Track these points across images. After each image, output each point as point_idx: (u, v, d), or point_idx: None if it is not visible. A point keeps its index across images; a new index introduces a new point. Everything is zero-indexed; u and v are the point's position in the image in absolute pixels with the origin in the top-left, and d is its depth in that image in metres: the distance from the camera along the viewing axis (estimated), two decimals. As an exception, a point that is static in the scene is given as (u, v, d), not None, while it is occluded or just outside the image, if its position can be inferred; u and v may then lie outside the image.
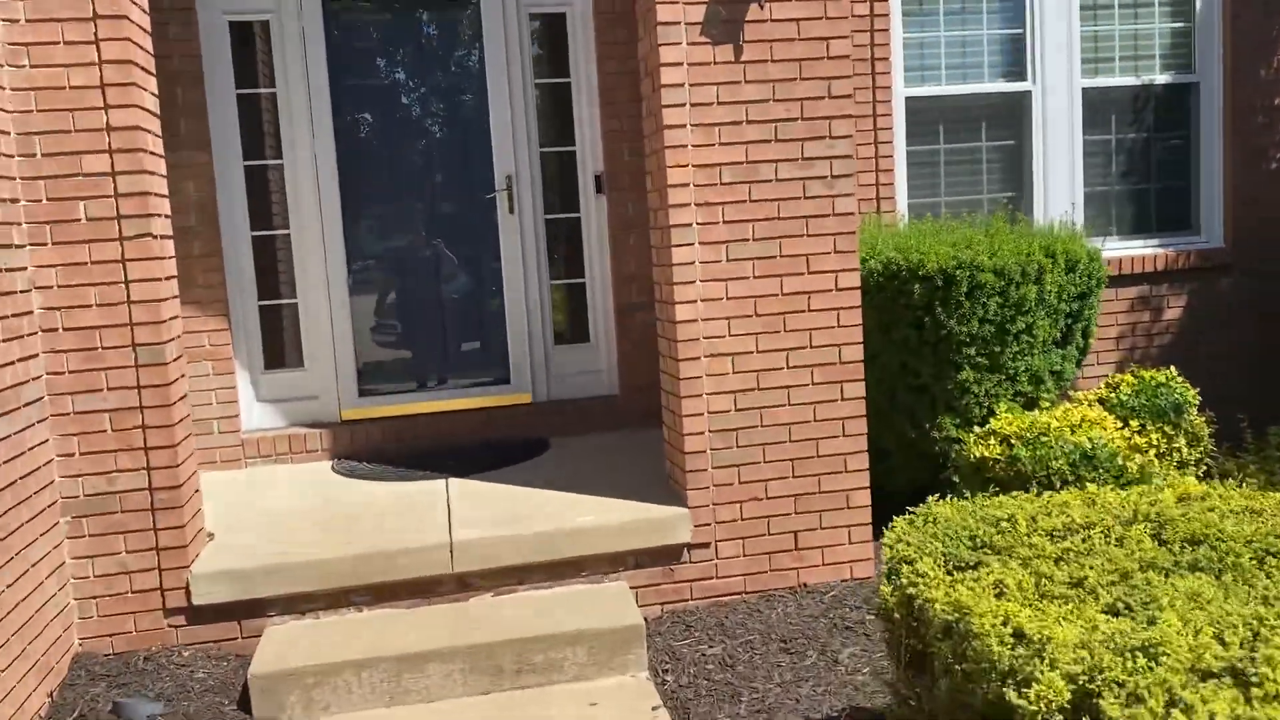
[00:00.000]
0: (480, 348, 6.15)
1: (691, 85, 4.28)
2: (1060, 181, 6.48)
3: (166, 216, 4.21)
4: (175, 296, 4.21)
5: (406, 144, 5.95)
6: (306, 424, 5.87)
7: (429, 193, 5.97)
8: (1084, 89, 6.48)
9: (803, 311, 4.43)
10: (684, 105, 4.28)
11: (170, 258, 4.18)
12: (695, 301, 4.35)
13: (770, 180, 4.36)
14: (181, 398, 4.17)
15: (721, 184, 4.33)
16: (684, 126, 4.29)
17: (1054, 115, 6.43)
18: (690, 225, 4.32)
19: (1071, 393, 5.32)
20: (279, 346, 5.91)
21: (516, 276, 6.00)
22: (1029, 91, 6.41)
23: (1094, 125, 6.58)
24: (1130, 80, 6.56)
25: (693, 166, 4.31)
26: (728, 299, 4.37)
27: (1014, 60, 6.43)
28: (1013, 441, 4.47)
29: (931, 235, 5.08)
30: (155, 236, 4.01)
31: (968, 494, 4.68)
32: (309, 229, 5.81)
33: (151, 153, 4.04)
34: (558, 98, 6.03)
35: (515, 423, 5.95)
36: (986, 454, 4.46)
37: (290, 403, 5.88)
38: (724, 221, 4.35)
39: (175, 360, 4.12)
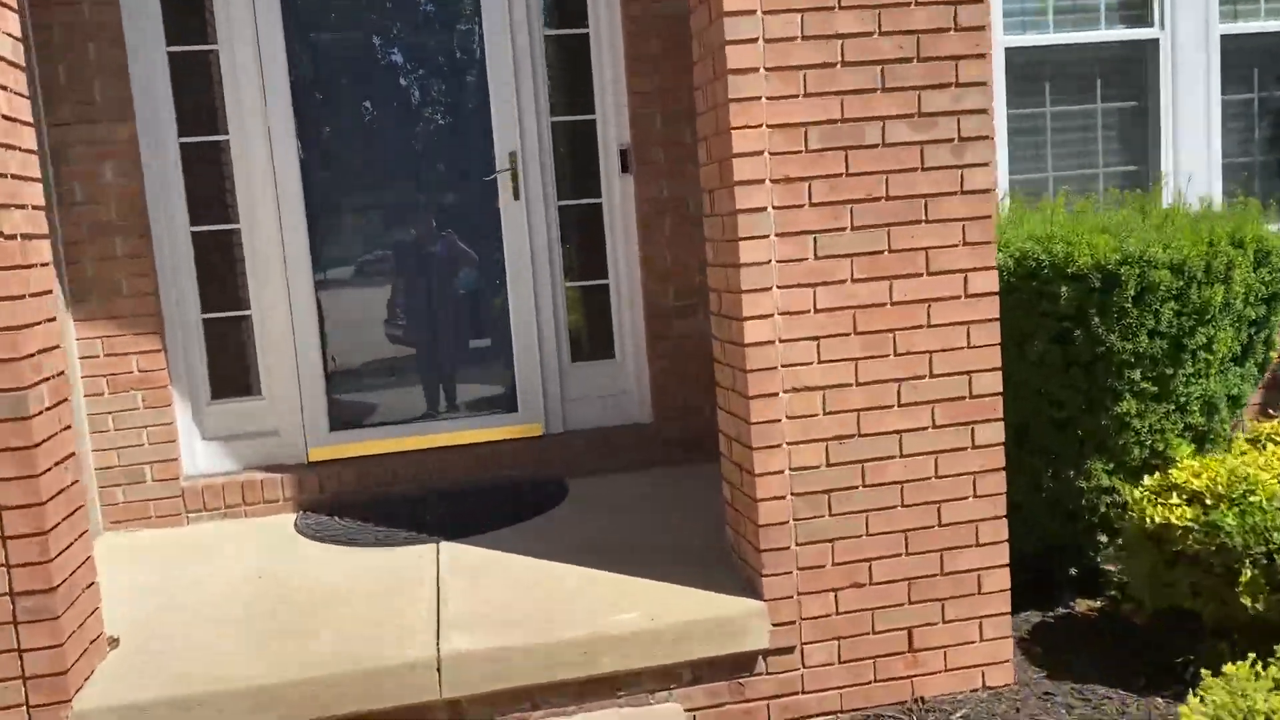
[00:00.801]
0: (480, 367, 4.95)
1: (765, 13, 3.05)
2: (1193, 150, 5.24)
3: (36, 208, 3.01)
4: (47, 321, 3.01)
5: (385, 116, 4.74)
6: (265, 467, 4.68)
7: (415, 177, 4.76)
8: (1223, 36, 5.23)
9: (919, 327, 3.22)
10: (755, 41, 3.05)
11: (38, 266, 2.98)
12: (771, 316, 3.14)
13: (875, 145, 3.14)
14: (58, 463, 2.97)
15: (808, 151, 3.12)
16: (755, 71, 3.07)
17: (1186, 69, 5.18)
18: (764, 210, 3.11)
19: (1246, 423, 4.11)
20: (229, 370, 4.72)
21: (523, 278, 4.79)
22: (1155, 40, 5.17)
23: (1233, 82, 5.33)
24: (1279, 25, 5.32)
25: (767, 128, 3.09)
26: (816, 311, 3.16)
27: (1137, 2, 5.19)
28: (1207, 500, 3.25)
29: (1071, 220, 3.86)
30: (10, 237, 2.81)
31: (1133, 569, 3.48)
32: (264, 223, 4.60)
33: (3, 116, 2.83)
34: (572, 53, 4.81)
35: (524, 460, 4.75)
36: (1171, 519, 3.25)
37: (244, 440, 4.69)
38: (811, 204, 3.13)
39: (46, 411, 2.92)
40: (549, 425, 4.88)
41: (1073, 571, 4.03)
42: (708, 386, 4.86)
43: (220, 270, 4.66)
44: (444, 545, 3.96)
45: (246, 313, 4.66)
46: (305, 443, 4.70)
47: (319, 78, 4.66)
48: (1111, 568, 4.06)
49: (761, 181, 3.10)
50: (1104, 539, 3.91)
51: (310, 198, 4.65)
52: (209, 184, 4.61)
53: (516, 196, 4.72)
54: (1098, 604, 3.99)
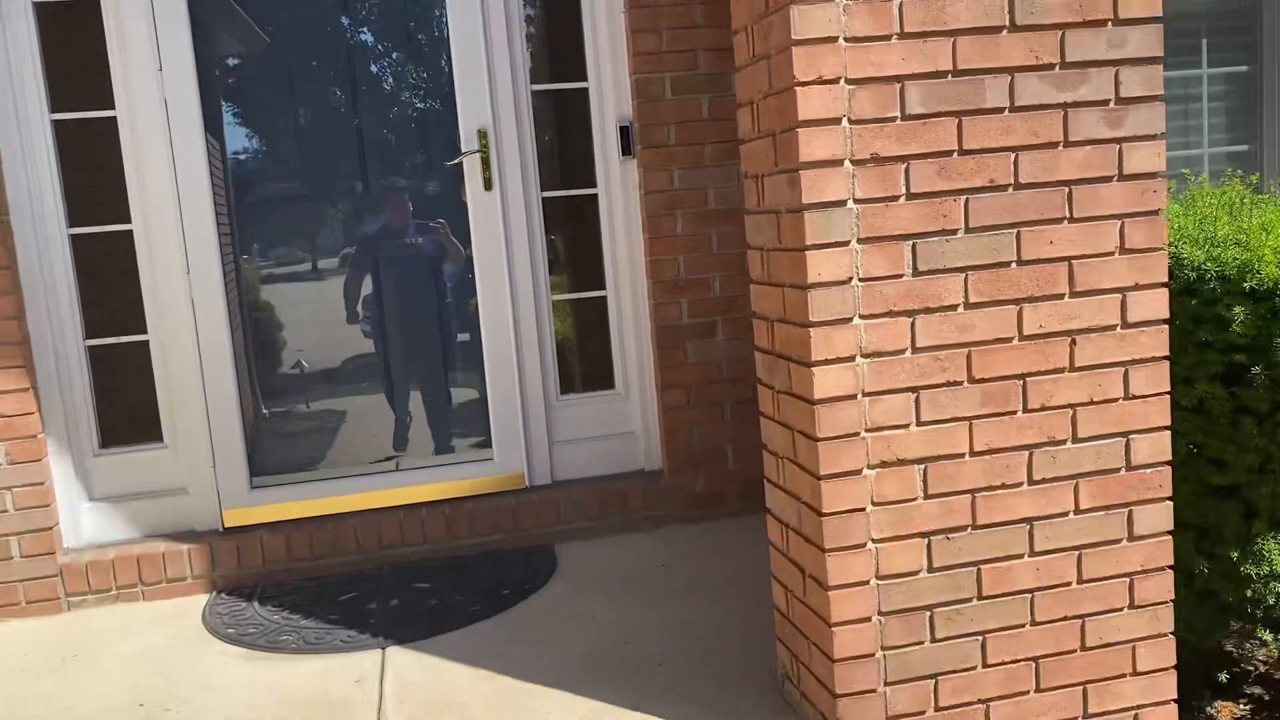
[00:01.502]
0: (445, 403, 3.95)
1: (846, -88, 2.06)
2: (1320, 126, 4.28)
3: None
4: None
5: (319, 83, 3.73)
6: (170, 535, 3.68)
7: (359, 162, 3.75)
8: (1357, -16, 4.26)
9: (1059, 372, 2.24)
10: (831, -45, 2.06)
11: None
12: (852, 359, 2.15)
13: (999, 110, 2.16)
14: None
15: (905, 119, 2.13)
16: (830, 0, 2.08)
17: (1313, 24, 4.21)
18: (843, 205, 2.12)
19: None
20: (123, 411, 3.71)
21: (497, 289, 3.79)
22: (1275, -12, 4.19)
23: (1367, 40, 4.36)
24: None
25: (847, 84, 2.10)
26: (915, 351, 2.18)
27: (1253, -59, 4.22)
28: None
29: (1226, 211, 2.88)
30: None
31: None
32: (162, 223, 3.59)
33: None
34: (557, 2, 3.81)
35: (503, 521, 3.75)
36: None
37: (143, 501, 3.68)
38: (909, 195, 2.14)
39: None
40: (533, 475, 3.88)
41: (1224, 677, 3.07)
42: (733, 425, 3.87)
43: (110, 284, 3.64)
44: (393, 653, 2.97)
45: (142, 337, 3.65)
46: (219, 503, 3.69)
47: (230, 35, 3.64)
48: (1263, 658, 3.11)
49: (839, 163, 2.11)
50: (1268, 636, 2.94)
51: (222, 191, 3.65)
52: (95, 173, 3.59)
53: (488, 187, 3.72)
54: (1244, 709, 3.04)
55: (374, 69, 3.79)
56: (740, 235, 3.80)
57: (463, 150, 3.70)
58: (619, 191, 3.84)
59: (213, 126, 3.59)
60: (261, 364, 3.78)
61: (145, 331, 3.63)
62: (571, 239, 3.96)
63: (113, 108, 3.54)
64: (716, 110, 3.73)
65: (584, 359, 4.04)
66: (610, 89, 3.78)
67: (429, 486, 3.79)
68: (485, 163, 3.69)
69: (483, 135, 3.68)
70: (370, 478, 3.79)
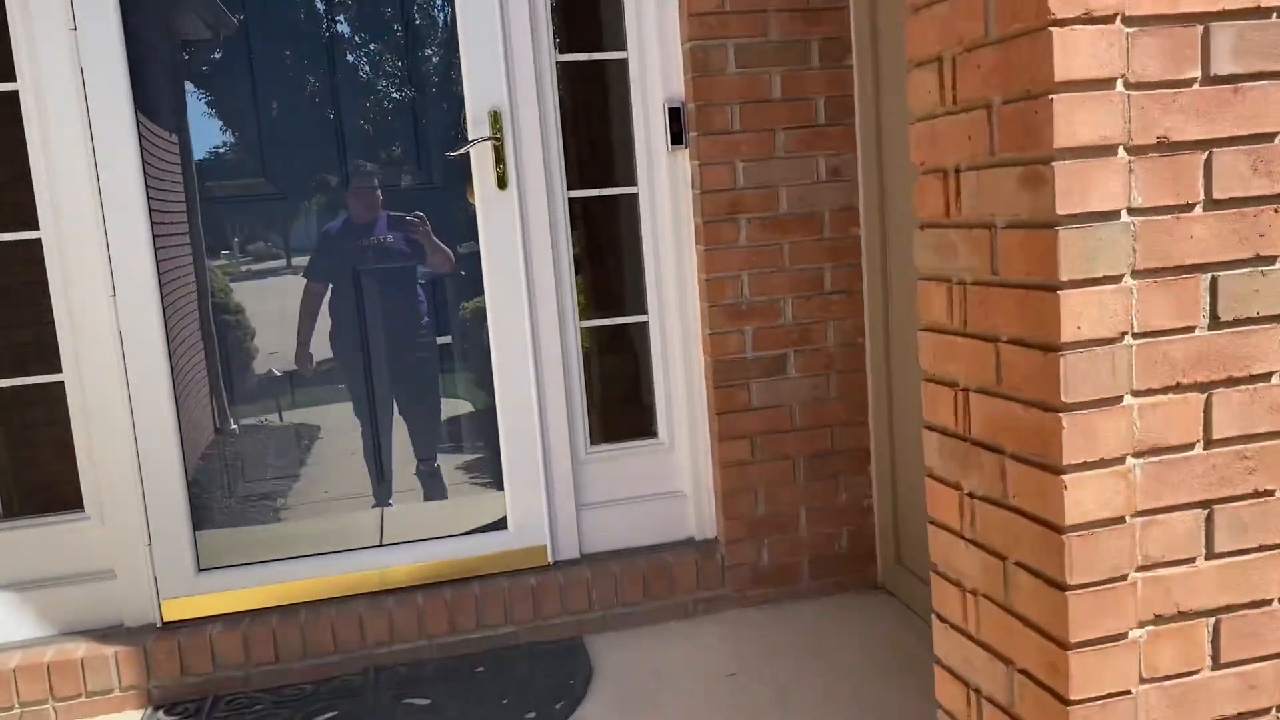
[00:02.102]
0: (450, 456, 3.15)
1: None
2: None
3: None
4: None
5: (283, 54, 2.92)
6: (91, 632, 2.86)
7: (339, 154, 2.94)
8: None
9: None
10: None
11: None
12: (1122, 460, 1.37)
13: (1354, 70, 1.38)
14: None
15: (1206, 82, 1.34)
16: (1108, -112, 1.29)
17: None
18: (1116, 217, 1.33)
19: None
20: (30, 473, 2.88)
21: (514, 315, 2.98)
22: None
23: None
24: None
25: (1123, 25, 1.31)
26: (1209, 445, 1.40)
27: None
28: None
29: None
30: None
31: None
32: (79, 231, 2.76)
33: None
34: (590, -47, 3.02)
35: (520, 605, 2.95)
36: None
37: (58, 589, 2.85)
38: (1208, 203, 1.36)
39: None
40: (557, 548, 3.08)
41: None
42: (807, 484, 3.09)
43: (14, 310, 2.81)
44: (385, 821, 2.16)
45: (55, 377, 2.82)
46: (156, 591, 2.87)
47: (194, 9, 2.82)
48: None
49: (1112, 151, 1.32)
50: None
51: (188, 188, 2.84)
52: (-7, 165, 2.77)
53: (503, 184, 2.91)
54: None
55: (352, 32, 2.98)
56: (820, 248, 3.01)
57: (470, 138, 2.88)
58: (666, 191, 3.04)
59: (174, 116, 2.79)
60: (204, 412, 2.97)
61: (60, 370, 2.80)
62: (605, 251, 3.17)
63: (13, 79, 2.71)
64: (792, 87, 2.94)
65: (620, 401, 3.25)
66: (656, 60, 2.98)
67: (427, 565, 2.99)
68: (499, 153, 2.88)
69: (495, 119, 2.87)
70: (350, 552, 2.98)
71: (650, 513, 3.15)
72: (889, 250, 2.95)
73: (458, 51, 2.87)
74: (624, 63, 3.02)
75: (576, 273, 3.06)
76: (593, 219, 3.16)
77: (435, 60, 3.05)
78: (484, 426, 3.10)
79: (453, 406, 3.20)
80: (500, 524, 3.05)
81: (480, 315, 3.00)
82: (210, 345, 2.96)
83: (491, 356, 2.98)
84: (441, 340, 3.12)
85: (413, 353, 3.12)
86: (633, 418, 3.22)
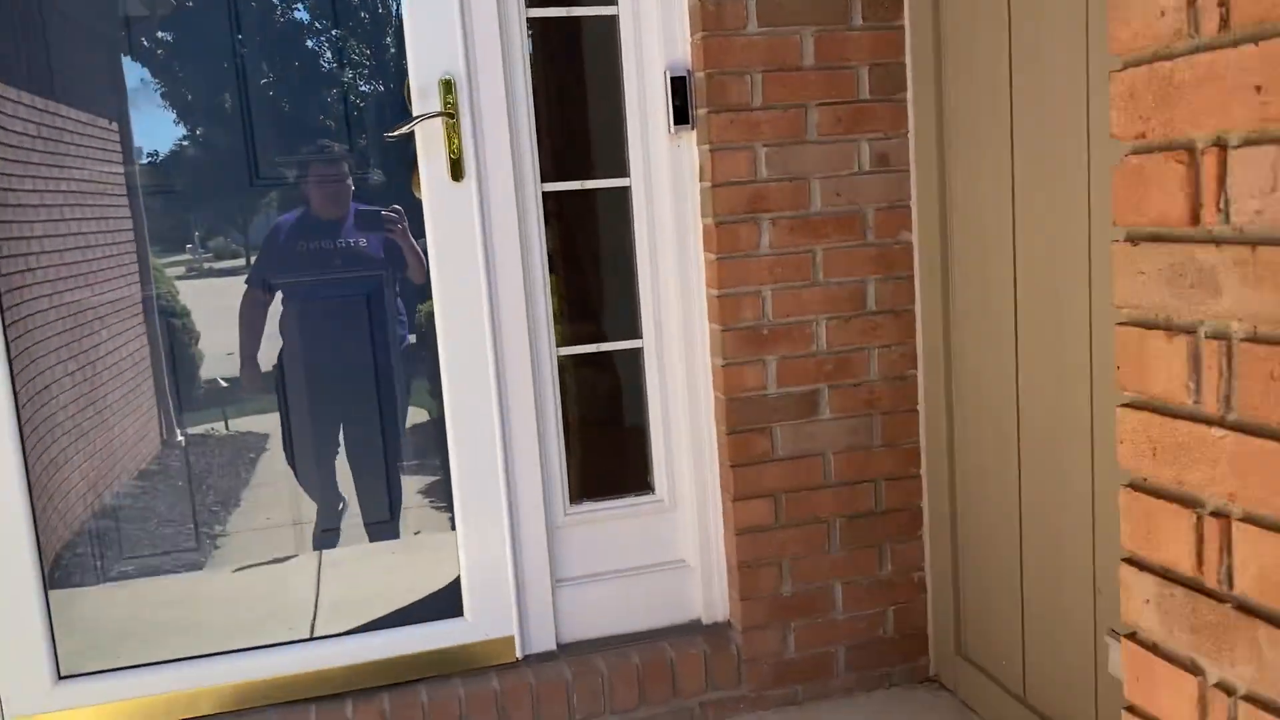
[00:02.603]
0: (388, 521, 2.48)
1: None
2: None
3: None
4: None
5: (198, 15, 2.24)
6: (-85, 759, 2.16)
7: (246, 134, 2.26)
8: None
9: None
10: None
11: None
12: None
13: None
14: None
15: None
16: None
17: None
18: None
19: None
20: None
21: (470, 340, 2.31)
22: None
23: None
24: None
25: None
26: None
27: None
28: None
29: None
30: None
31: None
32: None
33: None
34: (570, -123, 2.36)
35: (480, 714, 2.29)
36: None
37: None
38: None
39: None
40: (528, 637, 2.42)
41: None
42: (844, 552, 2.46)
43: None
44: None
45: None
46: (1, 710, 2.18)
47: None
48: None
49: None
50: None
51: (128, 179, 2.16)
52: None
53: (458, 174, 2.24)
54: None
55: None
56: (863, 255, 2.38)
57: (414, 113, 2.21)
58: (666, 184, 2.39)
59: (113, 102, 2.14)
60: (65, 472, 2.30)
61: None
62: (587, 259, 2.52)
63: None
64: (829, 51, 2.30)
65: (607, 448, 2.60)
66: (655, 16, 2.33)
67: (360, 667, 2.32)
68: (452, 134, 2.21)
69: (448, 89, 2.20)
70: (269, 653, 2.31)
71: (646, 589, 2.50)
72: (952, 258, 2.32)
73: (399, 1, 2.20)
74: (612, 20, 2.36)
75: (550, 285, 2.40)
76: (572, 219, 2.51)
77: (372, 21, 2.38)
78: (438, 483, 2.45)
79: (390, 457, 2.54)
80: (455, 609, 2.38)
81: (430, 336, 2.33)
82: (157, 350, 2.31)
83: (443, 395, 2.32)
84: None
85: (359, 377, 2.46)
86: (623, 468, 2.57)
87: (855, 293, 2.40)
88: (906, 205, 2.40)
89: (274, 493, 2.59)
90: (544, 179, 2.36)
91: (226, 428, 2.66)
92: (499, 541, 2.37)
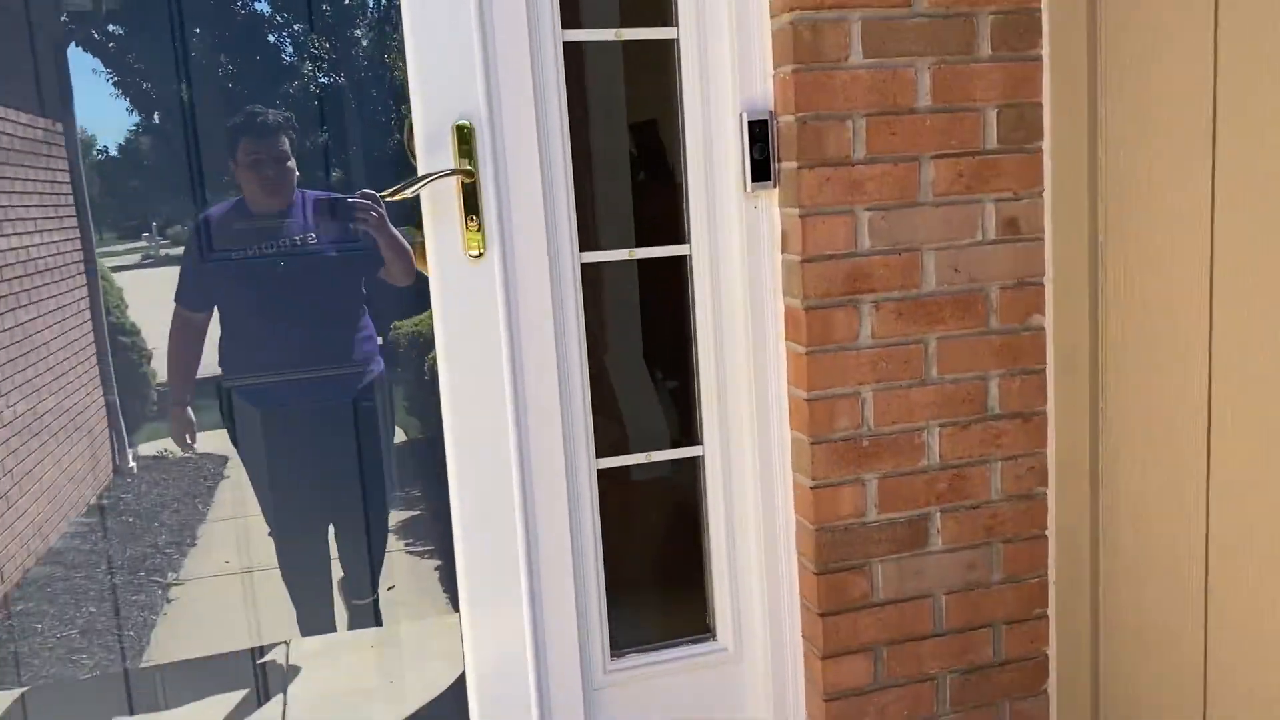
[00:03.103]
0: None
1: None
2: None
3: None
4: None
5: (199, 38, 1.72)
6: None
7: (202, 194, 1.75)
8: None
9: None
10: None
11: None
12: None
13: None
14: None
15: None
16: None
17: None
18: None
19: None
20: None
21: (490, 456, 1.78)
22: None
23: None
24: None
25: None
26: None
27: None
28: None
29: None
30: None
31: None
32: None
33: None
34: None
35: None
36: None
37: None
38: None
39: None
40: (561, 836, 1.90)
41: None
42: (956, 714, 1.95)
43: None
44: None
45: None
46: None
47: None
48: None
49: None
50: None
51: (75, 179, 1.64)
52: None
53: (477, 248, 1.71)
54: None
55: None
56: (984, 345, 1.89)
57: (419, 169, 1.68)
58: (737, 254, 1.88)
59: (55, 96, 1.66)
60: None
61: None
62: (632, 345, 2.00)
63: None
64: (948, 88, 1.81)
65: (655, 584, 2.08)
66: (726, 40, 1.81)
67: None
68: (470, 198, 1.69)
69: (464, 136, 1.67)
70: None
71: (708, 764, 1.98)
72: (1104, 349, 1.83)
73: (400, 26, 1.67)
74: (670, 46, 1.85)
75: (590, 383, 1.89)
76: (614, 296, 2.00)
77: (368, 53, 1.86)
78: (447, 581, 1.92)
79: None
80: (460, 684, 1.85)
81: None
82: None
83: (454, 535, 1.79)
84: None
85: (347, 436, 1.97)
86: (676, 610, 2.05)
87: (974, 392, 1.90)
88: (1039, 282, 1.91)
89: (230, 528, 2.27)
90: (582, 246, 1.84)
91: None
92: (523, 707, 1.84)
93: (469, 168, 1.65)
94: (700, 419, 1.94)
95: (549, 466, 1.83)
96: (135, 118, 2.39)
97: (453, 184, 1.67)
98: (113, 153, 2.13)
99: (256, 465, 2.34)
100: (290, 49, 2.68)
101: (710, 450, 1.95)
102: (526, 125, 1.72)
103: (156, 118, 2.21)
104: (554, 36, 1.75)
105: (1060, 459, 1.94)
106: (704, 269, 1.89)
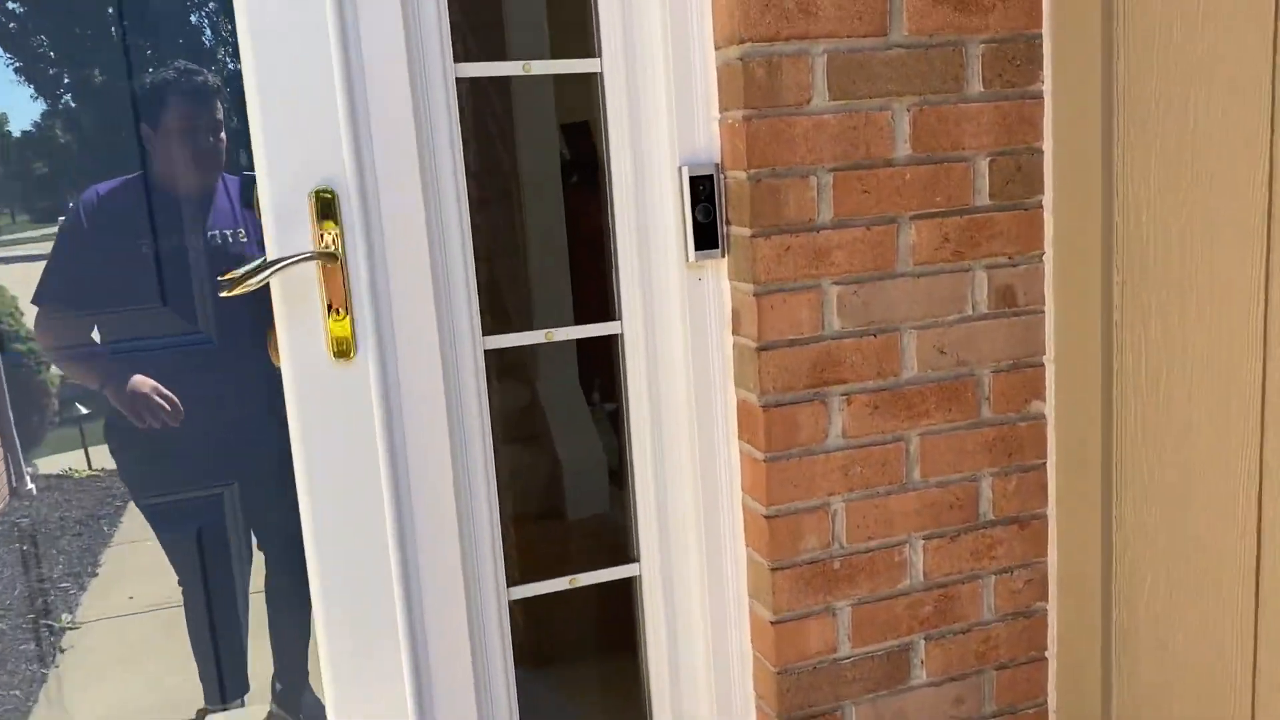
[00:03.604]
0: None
1: None
2: None
3: None
4: None
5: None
6: None
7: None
8: None
9: None
10: None
11: None
12: None
13: None
14: None
15: None
16: None
17: None
18: None
19: None
20: None
21: (371, 610, 1.42)
22: None
23: None
24: None
25: None
26: None
27: None
28: None
29: None
30: None
31: None
32: None
33: None
34: None
35: None
36: None
37: None
38: None
39: None
40: None
41: None
42: None
43: None
44: None
45: None
46: None
47: None
48: None
49: None
50: None
51: None
52: None
53: (344, 350, 1.33)
54: None
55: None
56: (975, 440, 1.58)
57: (268, 248, 1.30)
58: (679, 335, 1.53)
59: None
60: None
61: None
62: (546, 441, 1.65)
63: None
64: (930, 134, 1.48)
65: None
66: (661, 77, 1.46)
67: None
68: (335, 283, 1.31)
69: (325, 204, 1.30)
70: None
71: None
72: (1121, 441, 1.51)
73: (238, 56, 1.29)
74: (592, 81, 1.49)
75: (499, 485, 1.53)
76: (520, 387, 1.64)
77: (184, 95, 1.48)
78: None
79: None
80: None
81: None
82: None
83: (325, 681, 1.42)
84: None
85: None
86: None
87: (964, 496, 1.58)
88: (1038, 362, 1.59)
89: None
90: (490, 328, 1.48)
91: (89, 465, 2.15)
92: None
93: (332, 249, 1.28)
94: (636, 533, 1.60)
95: (447, 598, 1.47)
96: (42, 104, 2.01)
97: (313, 270, 1.30)
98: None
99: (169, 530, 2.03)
100: (209, 33, 2.28)
101: (649, 571, 1.60)
102: (409, 187, 1.35)
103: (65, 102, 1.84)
104: (444, 73, 1.38)
105: (1064, 570, 1.63)
106: (638, 352, 1.55)
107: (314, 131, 1.28)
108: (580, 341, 1.58)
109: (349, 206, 1.30)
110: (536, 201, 1.65)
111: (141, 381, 1.74)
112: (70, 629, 3.02)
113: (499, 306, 1.54)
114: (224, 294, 1.23)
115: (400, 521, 1.40)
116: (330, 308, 1.31)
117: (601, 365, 1.59)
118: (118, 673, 2.96)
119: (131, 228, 1.67)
